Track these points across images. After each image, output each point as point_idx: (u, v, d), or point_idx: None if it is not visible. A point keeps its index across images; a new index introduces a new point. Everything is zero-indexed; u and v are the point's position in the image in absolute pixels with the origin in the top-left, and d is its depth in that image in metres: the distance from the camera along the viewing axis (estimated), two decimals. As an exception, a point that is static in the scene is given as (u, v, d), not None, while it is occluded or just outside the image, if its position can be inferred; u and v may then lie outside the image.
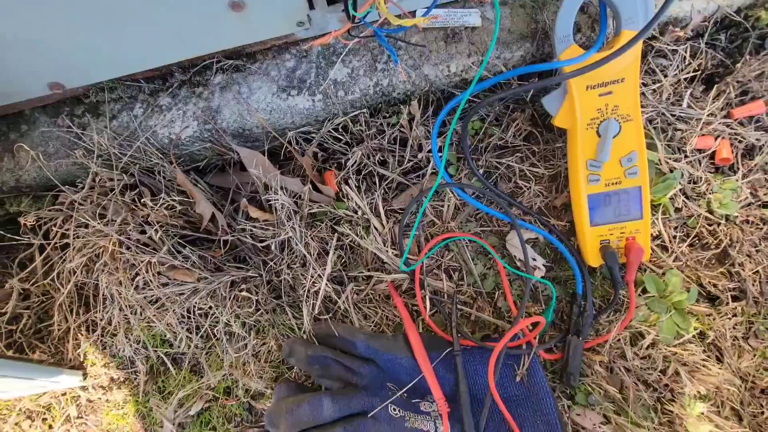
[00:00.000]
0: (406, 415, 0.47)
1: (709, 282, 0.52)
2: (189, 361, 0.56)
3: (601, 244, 0.50)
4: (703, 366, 0.50)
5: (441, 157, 0.53)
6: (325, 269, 0.51)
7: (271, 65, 0.52)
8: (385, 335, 0.52)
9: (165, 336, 0.54)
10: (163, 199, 0.51)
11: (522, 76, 0.53)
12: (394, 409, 0.47)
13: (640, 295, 0.51)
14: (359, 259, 0.55)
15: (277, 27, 0.48)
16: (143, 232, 0.52)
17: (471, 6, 0.50)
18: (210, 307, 0.53)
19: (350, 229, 0.54)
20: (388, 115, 0.55)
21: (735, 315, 0.51)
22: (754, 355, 0.51)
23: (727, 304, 0.51)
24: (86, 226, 0.52)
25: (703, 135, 0.54)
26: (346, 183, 0.55)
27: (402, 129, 0.55)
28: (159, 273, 0.52)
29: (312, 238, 0.53)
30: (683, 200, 0.53)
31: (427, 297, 0.52)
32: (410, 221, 0.55)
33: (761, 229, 0.53)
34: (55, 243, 0.54)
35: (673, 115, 0.54)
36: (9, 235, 0.54)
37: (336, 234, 0.54)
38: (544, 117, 0.56)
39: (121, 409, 0.56)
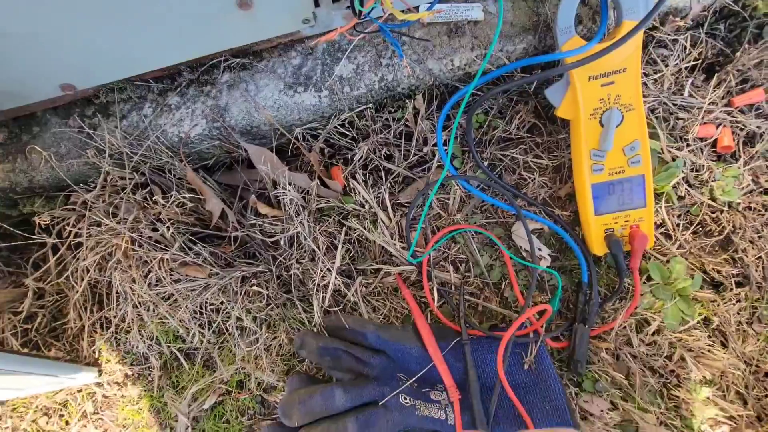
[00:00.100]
0: (417, 403, 0.48)
1: (713, 268, 0.53)
2: (202, 356, 0.56)
3: (606, 233, 0.51)
4: (708, 351, 0.51)
5: (446, 150, 0.54)
6: (334, 263, 0.52)
7: (277, 63, 0.53)
8: (394, 326, 0.53)
9: (178, 332, 0.55)
10: (174, 196, 0.52)
11: (525, 69, 0.54)
12: (405, 398, 0.47)
13: (644, 282, 0.52)
14: (367, 253, 0.56)
15: (283, 25, 0.48)
16: (155, 229, 0.52)
17: (473, 0, 0.51)
18: (221, 303, 0.54)
19: (358, 223, 0.55)
20: (393, 110, 0.56)
21: (739, 300, 0.52)
22: (758, 340, 0.51)
23: (731, 290, 0.52)
24: (99, 224, 0.53)
25: (704, 123, 0.54)
26: (353, 178, 0.56)
27: (407, 123, 0.55)
28: (171, 269, 0.53)
29: (320, 233, 0.54)
30: (686, 188, 0.53)
31: (434, 288, 0.53)
32: (417, 214, 0.56)
33: (763, 215, 0.54)
34: (69, 242, 0.55)
35: (674, 104, 0.54)
36: (24, 234, 0.55)
37: (344, 228, 0.55)
38: (547, 108, 0.57)
39: (136, 404, 0.58)
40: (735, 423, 0.49)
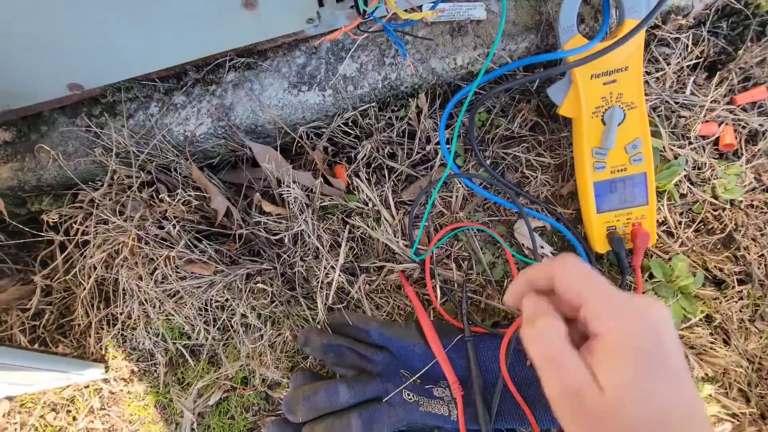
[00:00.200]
0: (420, 399, 0.48)
1: (715, 266, 0.53)
2: (207, 353, 0.57)
3: (608, 231, 0.51)
4: (711, 348, 0.51)
5: (449, 148, 0.55)
6: (337, 260, 0.53)
7: (281, 62, 0.53)
8: (397, 323, 0.53)
9: (183, 328, 0.56)
10: (180, 194, 0.53)
11: (527, 67, 0.54)
12: (408, 394, 0.48)
13: (647, 280, 0.52)
14: (370, 250, 0.56)
15: (287, 24, 0.49)
16: (161, 227, 0.53)
17: None
18: (227, 300, 0.54)
19: (361, 221, 0.55)
20: (396, 109, 0.56)
21: (741, 298, 0.52)
22: (761, 337, 0.51)
23: (733, 287, 0.52)
24: (106, 222, 0.54)
25: (706, 121, 0.55)
26: (357, 176, 0.56)
27: (410, 122, 0.56)
28: (177, 267, 0.53)
29: (324, 231, 0.54)
30: (688, 186, 0.54)
31: (437, 286, 0.53)
32: (420, 212, 0.56)
33: (765, 213, 0.54)
34: (76, 240, 0.56)
35: (676, 103, 0.55)
36: (32, 232, 0.55)
37: (347, 226, 0.55)
38: (550, 107, 0.57)
39: (143, 400, 0.58)
40: (738, 420, 0.50)
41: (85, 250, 0.56)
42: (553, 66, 0.53)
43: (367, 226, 0.55)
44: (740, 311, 0.52)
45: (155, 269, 0.53)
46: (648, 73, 0.55)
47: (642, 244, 0.49)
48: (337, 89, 0.52)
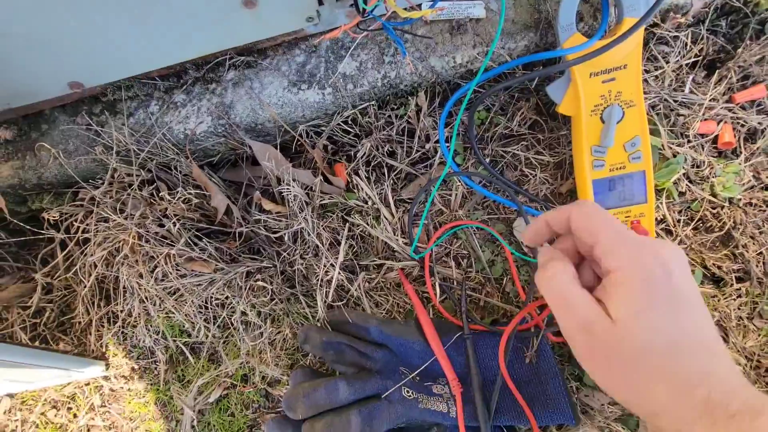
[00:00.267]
0: (419, 396, 0.48)
1: (714, 264, 0.53)
2: (207, 350, 0.57)
3: (607, 229, 0.52)
4: (709, 346, 0.51)
5: (448, 146, 0.55)
6: (337, 258, 0.53)
7: (281, 60, 0.53)
8: (397, 321, 0.53)
9: (183, 326, 0.56)
10: (180, 193, 0.53)
11: (526, 66, 0.54)
12: (408, 391, 0.48)
13: (645, 277, 0.53)
14: (370, 248, 0.56)
15: (287, 23, 0.49)
16: (161, 225, 0.53)
17: (475, -2, 0.52)
18: (227, 297, 0.54)
19: (361, 219, 0.55)
20: (395, 107, 0.56)
21: (739, 296, 0.52)
22: (759, 335, 0.52)
23: (732, 285, 0.53)
24: (106, 220, 0.54)
25: (705, 120, 0.55)
26: (356, 174, 0.57)
27: (410, 120, 0.56)
28: (177, 265, 0.53)
29: (324, 229, 0.54)
30: (687, 184, 0.54)
31: (437, 284, 0.54)
32: (419, 210, 0.56)
33: (764, 211, 0.54)
34: (77, 238, 0.56)
35: (675, 101, 0.55)
36: (33, 230, 0.56)
37: (347, 224, 0.56)
38: (549, 105, 0.58)
39: (143, 397, 0.58)
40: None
41: (86, 248, 0.56)
42: (552, 64, 0.53)
43: (367, 224, 0.55)
44: (738, 309, 0.52)
45: (155, 267, 0.53)
46: (647, 72, 0.55)
47: (641, 242, 0.50)
48: (337, 87, 0.53)
